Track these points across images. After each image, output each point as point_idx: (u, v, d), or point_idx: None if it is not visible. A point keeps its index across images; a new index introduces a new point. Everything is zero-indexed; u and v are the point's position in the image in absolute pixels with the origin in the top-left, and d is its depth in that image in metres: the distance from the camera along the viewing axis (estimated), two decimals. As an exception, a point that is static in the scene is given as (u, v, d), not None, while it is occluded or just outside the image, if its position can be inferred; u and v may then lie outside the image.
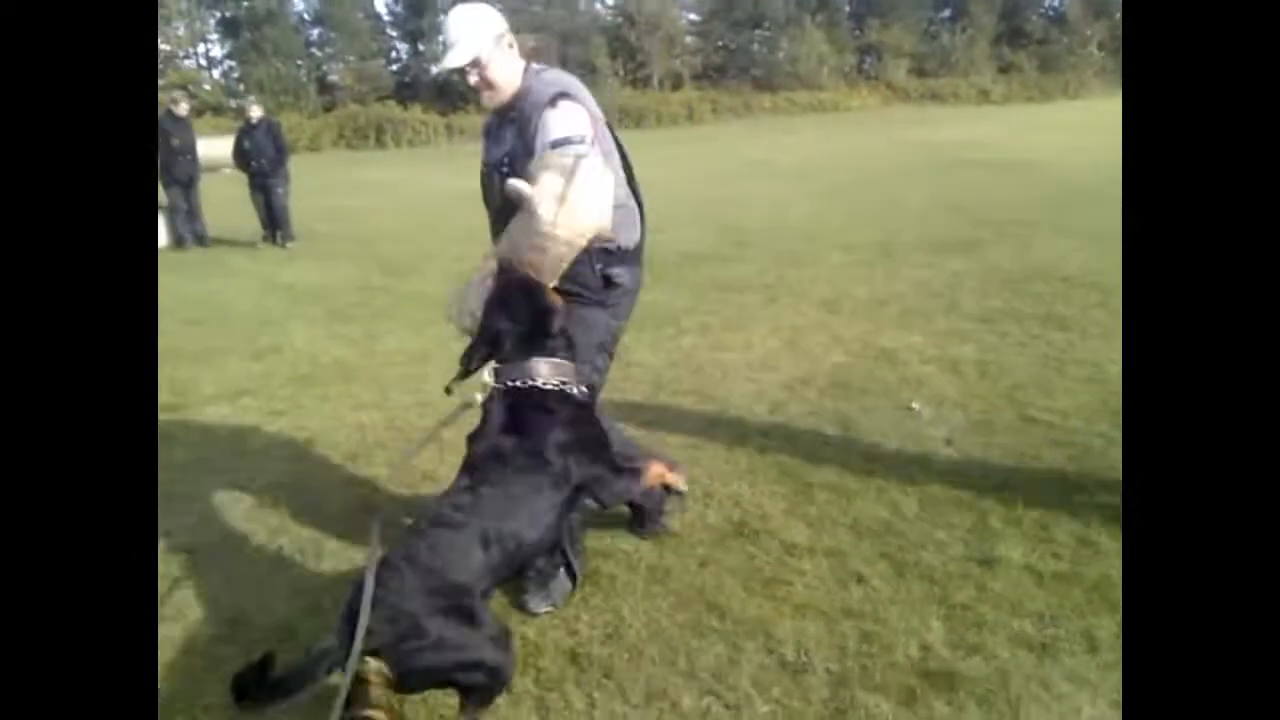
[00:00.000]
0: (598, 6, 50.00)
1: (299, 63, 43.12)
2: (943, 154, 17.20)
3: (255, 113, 10.89)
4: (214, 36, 44.96)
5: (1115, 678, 2.24)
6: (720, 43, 50.43)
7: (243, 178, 11.13)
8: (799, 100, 42.69)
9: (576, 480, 2.19)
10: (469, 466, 2.19)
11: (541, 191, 2.29)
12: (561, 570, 2.67)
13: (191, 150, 10.70)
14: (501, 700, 2.18)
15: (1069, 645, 2.38)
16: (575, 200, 2.30)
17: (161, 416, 4.55)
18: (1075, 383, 4.41)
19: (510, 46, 2.54)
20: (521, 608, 2.63)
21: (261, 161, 10.67)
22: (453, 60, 2.47)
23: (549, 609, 2.62)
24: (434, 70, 2.64)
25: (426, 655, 1.86)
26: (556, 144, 2.38)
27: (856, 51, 48.77)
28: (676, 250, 8.58)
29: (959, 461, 3.60)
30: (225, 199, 11.93)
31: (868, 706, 2.18)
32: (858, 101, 42.83)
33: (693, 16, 51.36)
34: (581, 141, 2.40)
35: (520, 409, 2.22)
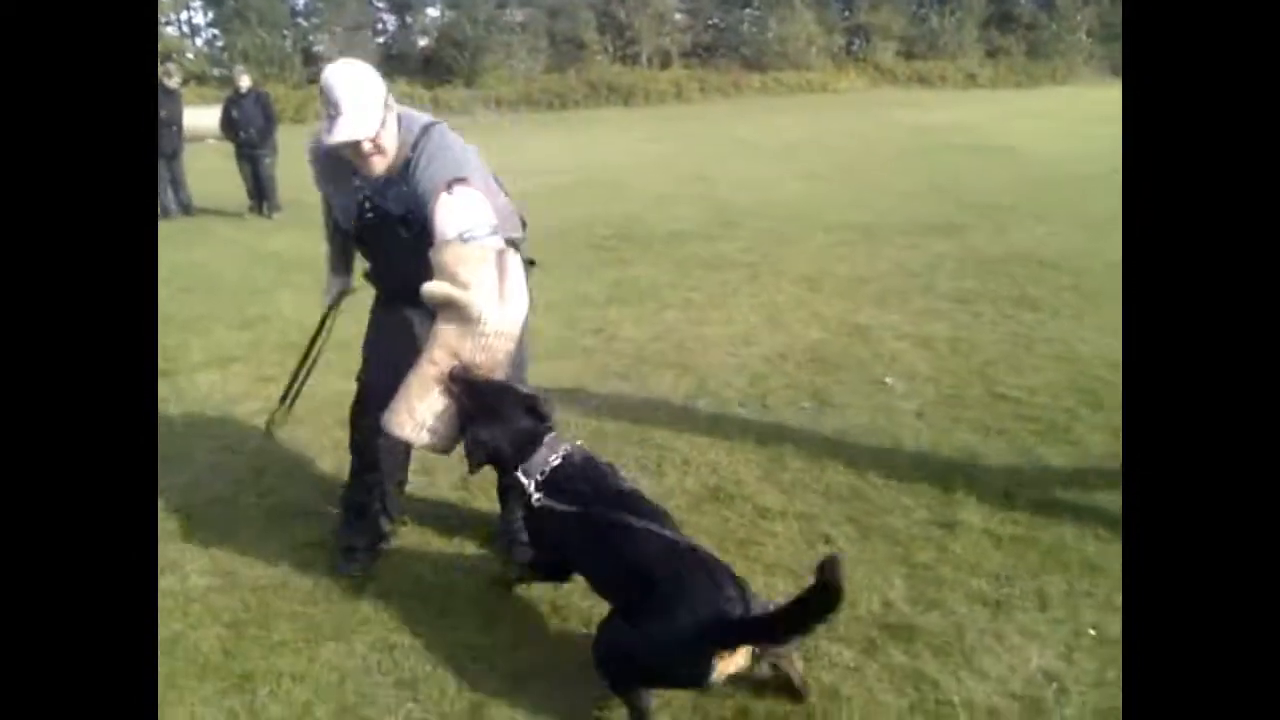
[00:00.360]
0: (587, -19, 49.66)
1: (285, 33, 42.60)
2: (929, 137, 17.30)
3: (244, 82, 10.85)
4: (197, 3, 44.43)
5: (1064, 631, 2.39)
6: (710, 21, 50.24)
7: (228, 147, 11.12)
8: (787, 81, 42.66)
9: None
10: None
11: (478, 293, 2.26)
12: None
13: (177, 122, 10.66)
14: (486, 643, 2.33)
15: (1022, 602, 2.53)
16: (510, 295, 2.31)
17: (152, 381, 4.65)
18: (1043, 360, 4.56)
19: (392, 109, 2.44)
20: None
21: (250, 131, 10.64)
22: (354, 133, 2.33)
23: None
24: (327, 143, 2.38)
25: None
26: (465, 237, 2.30)
27: (845, 33, 48.64)
28: (662, 228, 8.68)
29: (928, 433, 3.74)
30: (210, 169, 11.90)
31: (830, 654, 2.32)
32: (845, 83, 42.84)
33: (682, -7, 51.13)
34: (490, 231, 2.34)
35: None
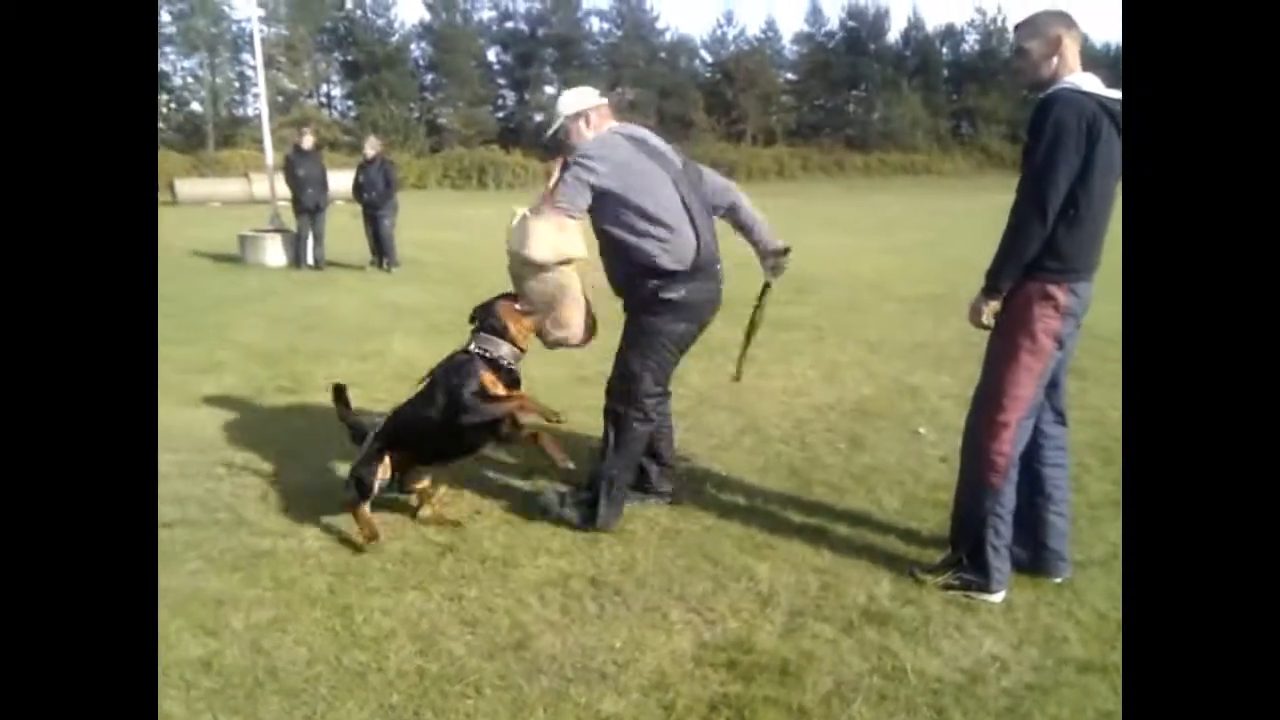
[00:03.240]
0: (697, 64, 51.57)
1: (412, 105, 45.68)
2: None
3: (371, 150, 12.09)
4: (336, 78, 48.09)
5: (1019, 630, 2.81)
6: (817, 102, 51.32)
7: (355, 208, 12.35)
8: (891, 161, 43.14)
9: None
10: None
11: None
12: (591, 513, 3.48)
13: (317, 182, 11.93)
14: (534, 601, 2.91)
15: (989, 606, 2.95)
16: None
17: (282, 399, 5.47)
18: (1074, 424, 4.90)
19: (587, 123, 3.42)
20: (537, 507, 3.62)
21: (372, 194, 11.83)
22: (547, 134, 3.47)
23: (566, 517, 3.53)
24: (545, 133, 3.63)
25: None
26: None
27: (952, 116, 48.96)
28: (740, 292, 9.24)
29: (948, 475, 4.15)
30: (339, 227, 13.16)
31: (813, 630, 2.80)
32: (950, 165, 43.03)
33: (790, 75, 52.48)
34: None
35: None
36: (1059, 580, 3.09)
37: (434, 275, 11.38)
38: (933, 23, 60.91)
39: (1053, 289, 2.81)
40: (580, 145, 3.33)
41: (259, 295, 9.82)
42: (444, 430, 3.44)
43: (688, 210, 3.37)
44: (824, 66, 49.70)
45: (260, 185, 21.84)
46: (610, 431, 3.48)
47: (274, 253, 12.44)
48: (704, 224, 3.42)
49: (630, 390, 3.41)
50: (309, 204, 11.82)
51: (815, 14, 54.24)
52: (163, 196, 21.37)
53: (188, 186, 27.88)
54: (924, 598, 3.00)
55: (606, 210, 3.30)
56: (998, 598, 2.96)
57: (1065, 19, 2.80)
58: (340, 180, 14.10)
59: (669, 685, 2.50)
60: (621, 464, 3.47)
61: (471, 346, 3.55)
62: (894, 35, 52.22)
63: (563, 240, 3.28)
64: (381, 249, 11.99)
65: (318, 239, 12.07)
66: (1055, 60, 2.77)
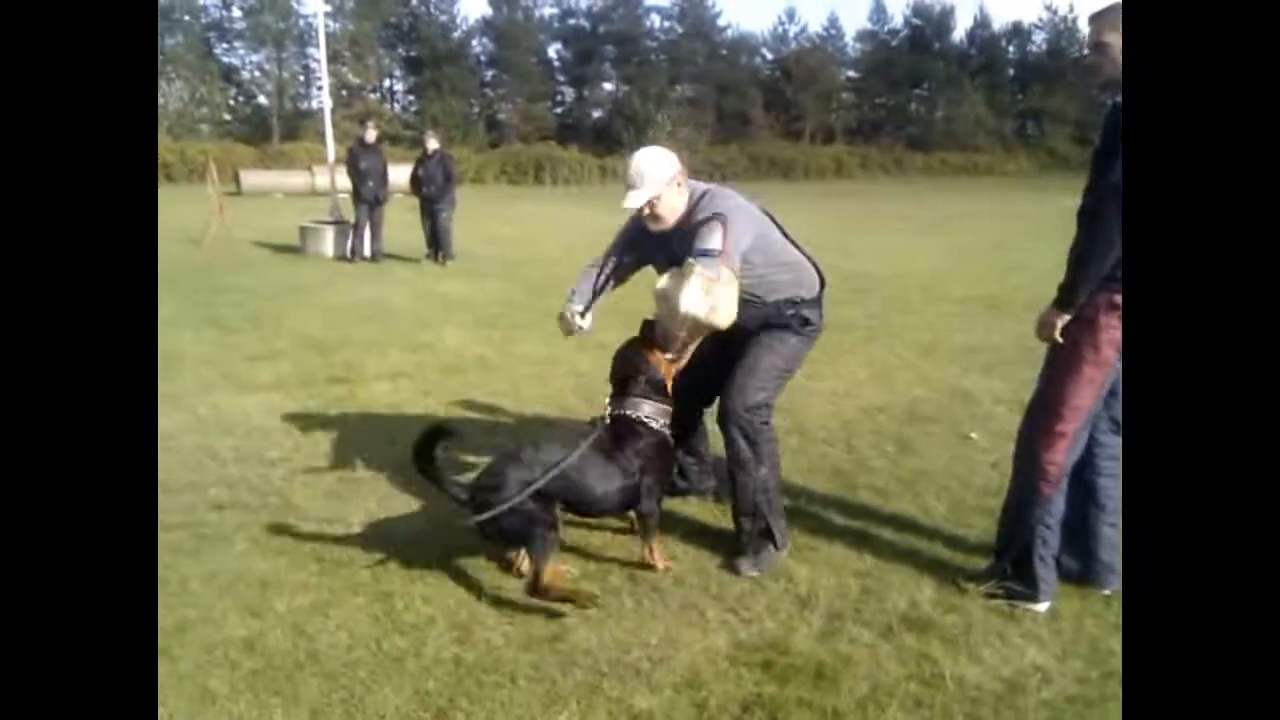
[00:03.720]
0: (757, 61, 51.26)
1: (472, 101, 46.21)
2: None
3: (432, 144, 12.24)
4: (398, 73, 48.86)
5: (1063, 640, 2.74)
6: (878, 100, 50.67)
7: (413, 201, 12.53)
8: (953, 162, 42.42)
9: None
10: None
11: (691, 294, 2.99)
12: (769, 543, 3.26)
13: (378, 175, 12.12)
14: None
15: (1033, 616, 2.88)
16: (720, 308, 3.02)
17: (335, 389, 5.57)
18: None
19: (679, 186, 3.16)
20: (734, 570, 3.17)
21: (431, 188, 11.99)
22: (632, 202, 3.13)
23: (755, 574, 3.14)
24: (623, 207, 3.19)
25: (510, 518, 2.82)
26: (707, 251, 3.00)
27: (1017, 116, 47.96)
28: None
29: (997, 480, 4.07)
30: (397, 220, 13.37)
31: (851, 633, 2.77)
32: (1014, 166, 42.18)
33: (851, 73, 51.91)
34: (719, 257, 2.99)
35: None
36: (1108, 592, 3.00)
37: (487, 269, 11.49)
38: (1000, 21, 59.67)
39: (1120, 299, 2.70)
40: (719, 205, 3.14)
41: (317, 286, 10.02)
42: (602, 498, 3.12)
43: (795, 245, 3.43)
44: (886, 64, 49.06)
45: (322, 178, 22.32)
46: (747, 453, 3.26)
47: (333, 244, 12.69)
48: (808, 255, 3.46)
49: (764, 406, 3.31)
50: (368, 196, 12.02)
51: (879, 11, 53.52)
52: (228, 187, 21.90)
53: (253, 178, 28.58)
54: (967, 605, 2.94)
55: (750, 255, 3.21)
56: (1043, 608, 2.89)
57: None
58: (400, 174, 14.33)
59: (702, 683, 2.49)
60: (775, 478, 3.35)
61: (649, 419, 3.18)
62: (959, 33, 51.42)
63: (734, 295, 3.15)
64: (438, 243, 12.14)
65: (375, 232, 12.26)
66: None
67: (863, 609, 2.92)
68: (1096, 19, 2.73)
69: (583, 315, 3.40)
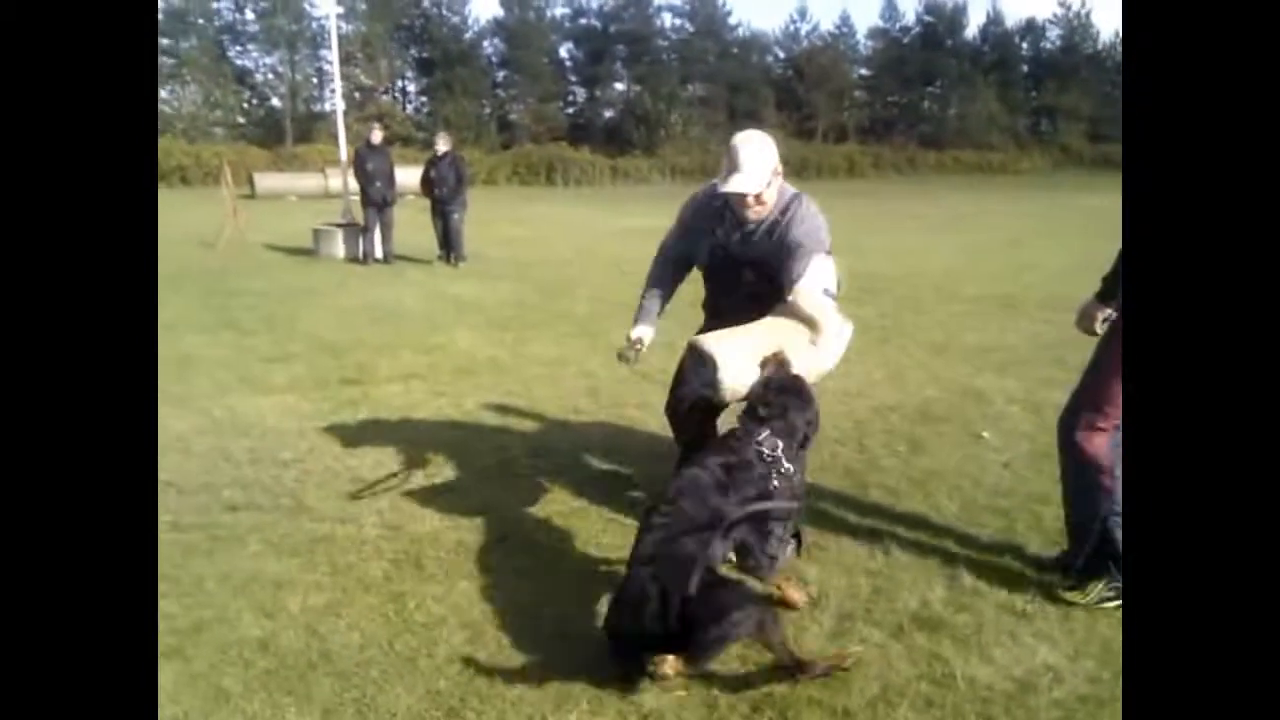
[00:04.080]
0: (769, 59, 51.16)
1: (484, 102, 46.33)
2: (1103, 220, 16.96)
3: (442, 146, 12.28)
4: (410, 74, 49.04)
5: (1076, 640, 2.73)
6: (890, 98, 50.51)
7: (424, 203, 12.57)
8: (966, 159, 42.23)
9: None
10: None
11: (824, 335, 2.95)
12: (790, 543, 3.19)
13: (385, 177, 12.18)
14: (581, 594, 2.93)
15: (1046, 615, 2.87)
16: (827, 349, 3.02)
17: (348, 390, 5.61)
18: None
19: (778, 175, 3.05)
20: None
21: (443, 190, 12.02)
22: (742, 187, 2.95)
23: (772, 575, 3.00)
24: (720, 189, 3.00)
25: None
26: (828, 293, 2.98)
27: (1031, 113, 47.69)
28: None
29: (1008, 480, 4.07)
30: (408, 221, 13.43)
31: (862, 633, 2.76)
32: (1028, 164, 41.96)
33: (864, 71, 51.76)
34: (835, 293, 3.00)
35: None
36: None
37: (498, 271, 11.53)
38: (1013, 18, 59.39)
39: None
40: (821, 232, 3.09)
41: (330, 288, 10.07)
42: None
43: None
44: (898, 62, 48.88)
45: (335, 180, 22.43)
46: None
47: (344, 246, 12.77)
48: None
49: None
50: (376, 198, 12.07)
51: (891, 8, 53.28)
52: (242, 190, 22.06)
53: (266, 180, 28.74)
54: (978, 604, 2.94)
55: None
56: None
57: None
58: (410, 176, 14.37)
59: (713, 682, 2.50)
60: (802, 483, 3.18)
61: (781, 460, 2.77)
62: (972, 30, 51.18)
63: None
64: (450, 244, 12.18)
65: (385, 233, 12.31)
66: None
67: (873, 609, 2.92)
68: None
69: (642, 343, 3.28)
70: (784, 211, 3.10)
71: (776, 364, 2.91)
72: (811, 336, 2.95)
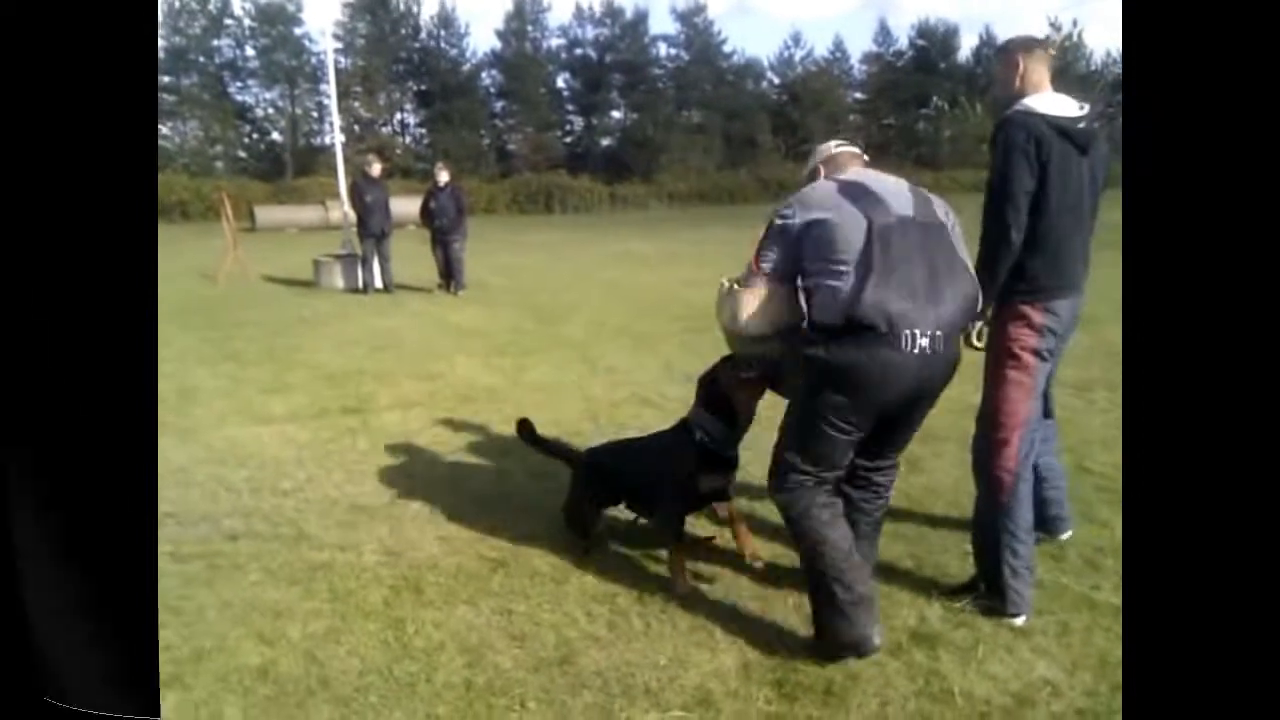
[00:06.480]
0: (764, 85, 51.59)
1: (482, 132, 46.69)
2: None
3: (442, 177, 12.39)
4: (409, 106, 49.47)
5: (1073, 654, 2.73)
6: (885, 121, 50.87)
7: (423, 233, 12.66)
8: (962, 179, 42.25)
9: None
10: None
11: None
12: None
13: (381, 208, 12.28)
14: (581, 617, 2.94)
15: (1045, 630, 2.88)
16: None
17: (347, 419, 5.63)
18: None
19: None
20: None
21: (444, 220, 12.12)
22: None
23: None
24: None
25: None
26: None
27: (1025, 132, 47.97)
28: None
29: (1006, 497, 4.07)
30: (409, 251, 13.51)
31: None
32: (1024, 182, 42.02)
33: (858, 95, 52.16)
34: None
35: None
36: (1064, 537, 3.29)
37: (497, 299, 11.58)
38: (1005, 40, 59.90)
39: (1025, 309, 2.92)
40: None
41: (329, 318, 10.12)
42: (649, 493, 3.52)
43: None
44: (893, 86, 49.29)
45: (335, 212, 22.56)
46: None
47: (343, 277, 12.85)
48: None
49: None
50: (374, 229, 12.16)
51: (884, 33, 53.84)
52: (243, 223, 22.20)
53: (266, 214, 28.85)
54: (976, 620, 2.94)
55: None
56: (1019, 621, 2.91)
57: (1026, 42, 2.96)
58: (407, 206, 14.45)
59: (712, 703, 2.51)
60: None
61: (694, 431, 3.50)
62: (964, 53, 51.63)
63: None
64: (450, 272, 12.25)
65: (383, 264, 12.39)
66: (1017, 82, 2.91)
67: (871, 626, 2.92)
68: (994, 53, 3.14)
69: None
70: None
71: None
72: None
